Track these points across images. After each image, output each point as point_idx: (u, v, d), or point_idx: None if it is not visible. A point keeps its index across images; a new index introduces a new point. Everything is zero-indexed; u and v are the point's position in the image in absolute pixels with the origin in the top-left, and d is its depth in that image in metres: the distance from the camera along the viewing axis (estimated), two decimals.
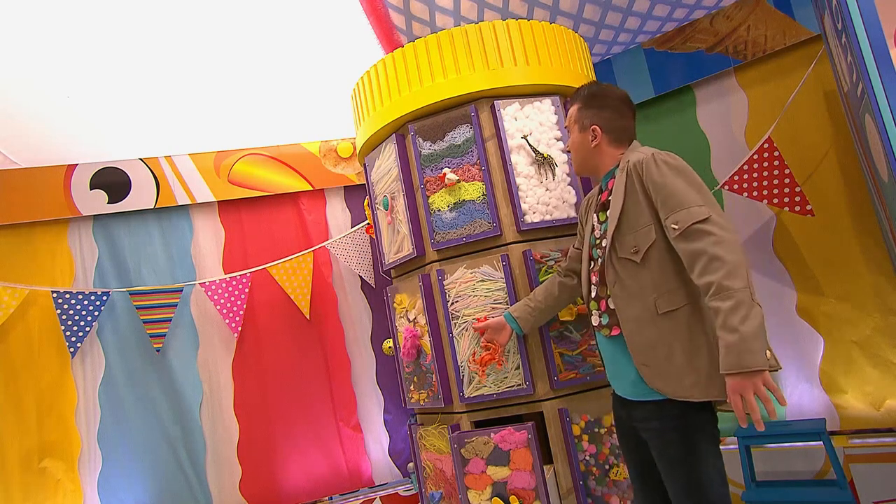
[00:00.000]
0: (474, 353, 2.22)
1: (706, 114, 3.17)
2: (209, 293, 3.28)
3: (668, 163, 1.57)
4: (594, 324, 1.78)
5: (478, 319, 2.22)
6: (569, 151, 1.89)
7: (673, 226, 1.50)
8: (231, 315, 3.29)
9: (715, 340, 1.46)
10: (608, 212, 1.71)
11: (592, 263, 1.81)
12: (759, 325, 1.36)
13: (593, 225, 1.81)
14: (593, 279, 1.78)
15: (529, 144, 2.33)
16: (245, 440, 3.30)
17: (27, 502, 2.91)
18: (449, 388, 2.31)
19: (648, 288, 1.58)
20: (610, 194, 1.74)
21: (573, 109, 1.85)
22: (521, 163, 2.32)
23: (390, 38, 2.94)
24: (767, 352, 1.40)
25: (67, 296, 3.04)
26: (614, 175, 1.75)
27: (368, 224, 3.45)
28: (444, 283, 2.32)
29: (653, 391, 1.57)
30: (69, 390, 3.09)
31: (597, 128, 1.77)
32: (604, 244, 1.70)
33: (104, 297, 3.11)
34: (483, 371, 2.18)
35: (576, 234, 2.10)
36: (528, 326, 2.10)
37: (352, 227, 3.64)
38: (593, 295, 1.77)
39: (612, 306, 1.68)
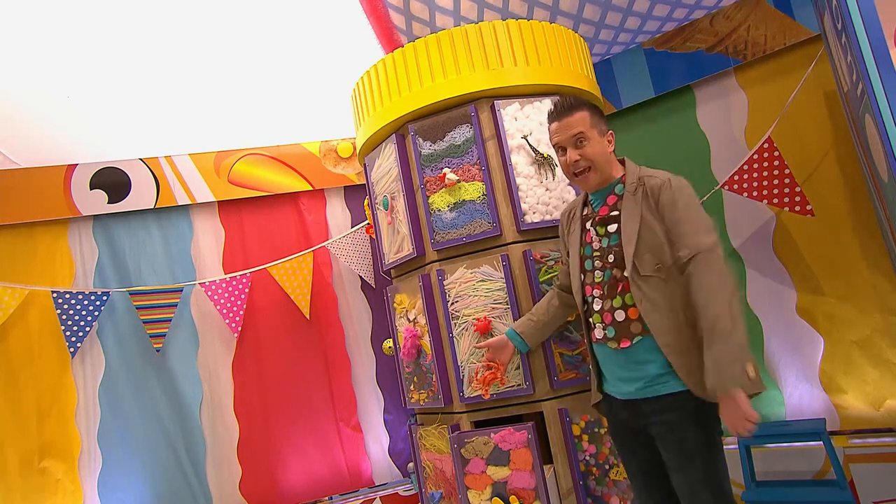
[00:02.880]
0: (476, 372, 2.21)
1: (706, 114, 3.17)
2: (209, 293, 3.28)
3: (683, 189, 1.67)
4: (597, 336, 1.75)
5: (478, 320, 2.23)
6: (577, 160, 1.75)
7: (685, 250, 1.60)
8: (231, 315, 3.29)
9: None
10: (614, 229, 1.72)
11: (584, 276, 1.80)
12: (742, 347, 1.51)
13: (589, 237, 1.81)
14: (592, 292, 1.77)
15: (529, 144, 2.33)
16: (245, 440, 3.30)
17: (27, 502, 2.91)
18: (449, 388, 2.31)
19: (678, 301, 1.62)
20: (611, 210, 1.75)
21: (584, 115, 1.76)
22: (521, 163, 2.32)
23: (390, 38, 2.94)
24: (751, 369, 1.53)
25: (67, 296, 3.04)
26: (614, 191, 1.76)
27: (368, 224, 3.45)
28: (444, 283, 2.32)
29: (670, 385, 1.61)
30: (69, 390, 3.08)
31: (613, 133, 1.81)
32: (610, 259, 1.72)
33: (104, 297, 3.11)
34: (486, 390, 2.18)
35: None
36: (533, 341, 2.09)
37: (352, 227, 3.64)
38: (597, 308, 1.75)
39: (618, 319, 1.69)
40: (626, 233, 1.68)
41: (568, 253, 1.93)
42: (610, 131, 1.80)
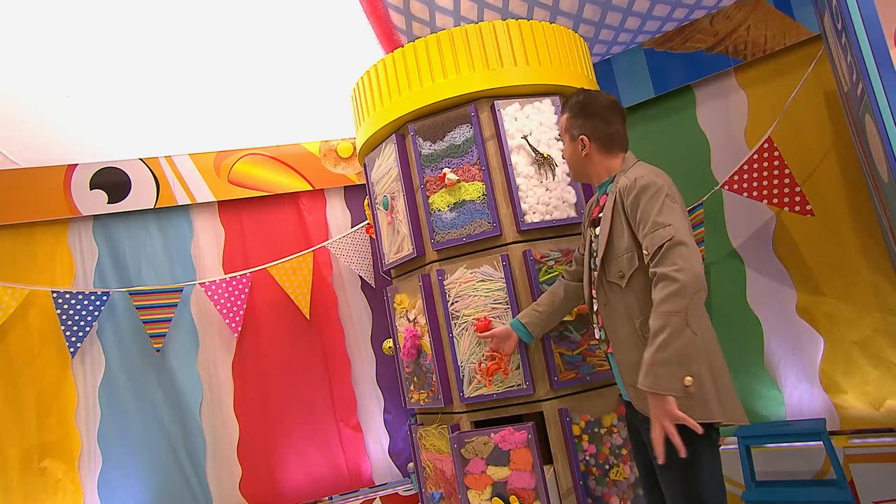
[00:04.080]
0: (480, 363, 2.22)
1: (706, 114, 3.17)
2: (209, 293, 3.28)
3: (648, 188, 1.58)
4: (595, 337, 1.83)
5: (478, 320, 2.22)
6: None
7: (644, 252, 1.56)
8: (231, 315, 3.29)
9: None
10: (598, 232, 1.75)
11: (590, 274, 1.84)
12: (680, 351, 1.42)
13: (591, 236, 1.84)
14: (592, 291, 1.81)
15: (529, 144, 2.33)
16: (245, 440, 3.30)
17: (27, 502, 2.91)
18: (449, 388, 2.31)
19: (634, 311, 1.61)
20: (601, 211, 1.77)
21: (563, 119, 1.87)
22: (521, 163, 2.32)
23: (390, 38, 2.94)
24: (688, 378, 1.42)
25: (67, 296, 3.04)
26: (607, 191, 1.78)
27: (368, 224, 3.45)
28: (444, 283, 2.32)
29: None
30: (69, 390, 3.08)
31: (584, 137, 1.78)
32: (598, 261, 1.74)
33: (104, 297, 3.11)
34: (490, 381, 2.19)
35: (579, 234, 2.11)
36: (538, 331, 2.10)
37: (352, 227, 3.64)
38: (594, 308, 1.80)
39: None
40: (599, 237, 1.71)
41: (584, 246, 1.96)
42: (581, 136, 1.78)
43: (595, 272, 1.77)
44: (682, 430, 1.54)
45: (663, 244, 1.48)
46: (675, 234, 1.48)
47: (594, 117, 1.79)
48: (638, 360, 1.57)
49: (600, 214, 1.76)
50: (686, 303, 1.42)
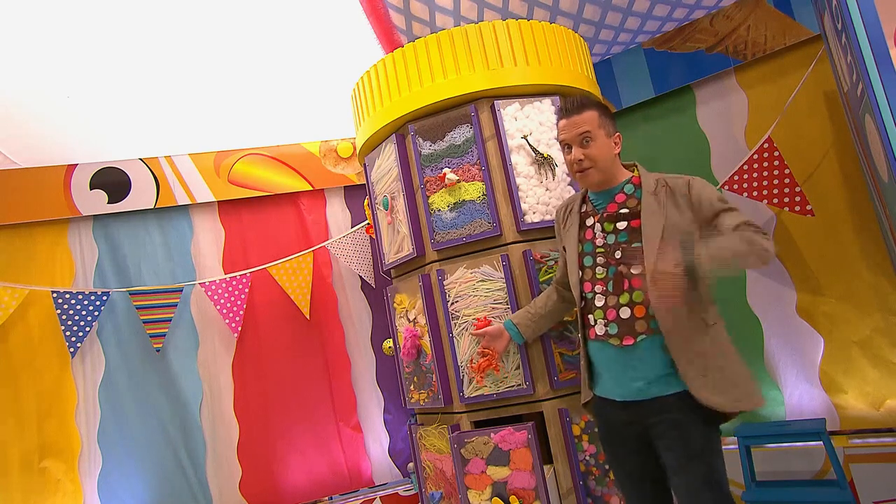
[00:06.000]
0: (472, 360, 2.22)
1: (706, 114, 3.17)
2: (209, 293, 3.28)
3: (702, 181, 1.75)
4: (597, 333, 1.72)
5: (478, 320, 2.22)
6: (581, 160, 1.74)
7: (729, 218, 1.67)
8: (231, 315, 3.29)
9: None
10: (624, 226, 1.72)
11: (583, 272, 1.79)
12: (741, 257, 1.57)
13: (590, 234, 1.80)
14: (592, 288, 1.76)
15: (529, 144, 2.33)
16: (245, 440, 3.30)
17: (27, 502, 2.91)
18: (449, 388, 2.31)
19: (696, 301, 1.61)
20: (620, 207, 1.75)
21: (592, 115, 1.75)
22: (521, 163, 2.32)
23: (390, 38, 2.94)
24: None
25: (67, 296, 3.04)
26: (623, 190, 1.76)
27: (368, 224, 3.45)
28: (444, 283, 2.32)
29: (673, 384, 1.61)
30: (69, 390, 3.09)
31: (620, 136, 1.80)
32: (616, 255, 1.71)
33: (104, 297, 3.11)
34: (481, 378, 2.19)
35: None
36: (529, 333, 2.09)
37: (352, 227, 3.64)
38: (599, 304, 1.73)
39: (623, 316, 1.67)
40: (650, 230, 1.67)
41: (564, 248, 1.92)
42: (617, 133, 1.79)
43: (601, 266, 1.74)
44: (705, 420, 1.58)
45: (760, 226, 1.63)
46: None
47: (614, 120, 1.84)
48: (705, 349, 1.62)
49: (621, 210, 1.74)
50: (769, 253, 1.57)
